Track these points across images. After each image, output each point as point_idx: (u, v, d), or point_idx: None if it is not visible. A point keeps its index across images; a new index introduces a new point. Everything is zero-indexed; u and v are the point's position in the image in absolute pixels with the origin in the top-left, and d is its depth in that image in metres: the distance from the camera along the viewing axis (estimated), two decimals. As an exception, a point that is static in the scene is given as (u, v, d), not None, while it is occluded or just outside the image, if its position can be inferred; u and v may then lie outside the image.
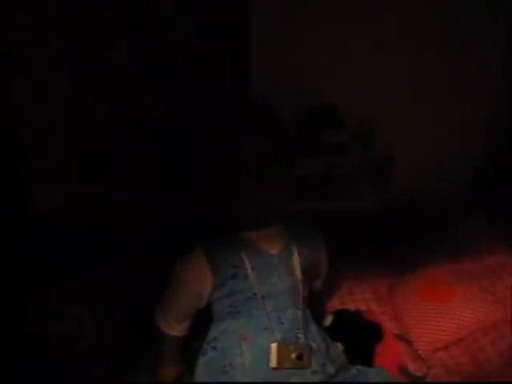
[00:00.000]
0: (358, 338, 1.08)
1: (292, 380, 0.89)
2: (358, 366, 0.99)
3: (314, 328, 0.97)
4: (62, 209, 1.24)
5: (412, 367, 1.07)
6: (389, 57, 1.30)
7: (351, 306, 1.19)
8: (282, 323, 0.92)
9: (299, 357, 0.90)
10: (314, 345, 0.93)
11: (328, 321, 1.11)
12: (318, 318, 1.06)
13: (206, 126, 1.03)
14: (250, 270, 0.92)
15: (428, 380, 1.06)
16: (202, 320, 0.98)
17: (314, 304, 1.07)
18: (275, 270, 0.94)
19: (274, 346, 0.89)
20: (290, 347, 0.90)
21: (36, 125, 1.21)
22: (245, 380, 0.89)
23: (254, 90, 1.22)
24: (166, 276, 0.98)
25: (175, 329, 0.99)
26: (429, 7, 1.27)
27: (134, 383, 1.05)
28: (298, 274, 0.96)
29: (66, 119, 1.22)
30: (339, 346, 1.04)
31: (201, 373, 0.94)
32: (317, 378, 0.90)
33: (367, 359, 1.06)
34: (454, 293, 1.13)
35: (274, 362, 0.88)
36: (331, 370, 0.93)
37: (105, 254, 1.17)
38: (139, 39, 1.17)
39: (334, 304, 1.20)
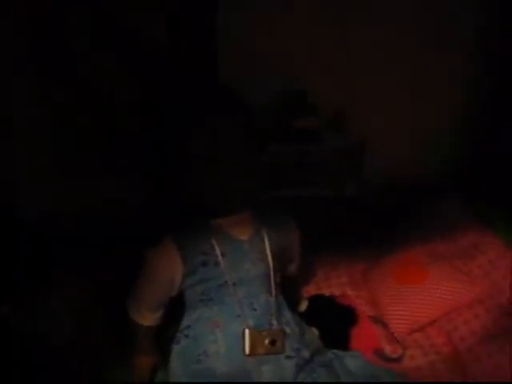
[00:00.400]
0: (334, 322, 1.08)
1: (266, 366, 0.88)
2: (334, 350, 0.99)
3: (287, 313, 0.96)
4: (45, 208, 1.23)
5: (388, 349, 1.08)
6: (363, 44, 1.30)
7: (327, 291, 1.19)
8: (255, 309, 0.91)
9: (272, 342, 0.89)
10: (287, 330, 0.93)
11: (303, 306, 1.12)
12: (293, 304, 1.07)
13: (176, 113, 1.02)
14: (220, 257, 0.91)
15: (404, 361, 1.07)
16: (175, 309, 0.97)
17: (290, 290, 1.07)
18: (246, 256, 0.93)
19: (246, 332, 0.89)
20: (263, 333, 0.89)
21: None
22: (220, 368, 0.88)
23: (224, 78, 1.21)
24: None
25: (148, 319, 0.97)
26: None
27: (112, 381, 1.04)
28: (270, 259, 0.95)
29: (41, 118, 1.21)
30: (315, 330, 1.04)
31: (175, 362, 0.93)
32: (291, 363, 0.90)
33: (343, 343, 1.06)
34: (427, 274, 1.14)
35: (247, 349, 0.88)
36: (306, 354, 0.92)
37: (85, 252, 1.15)
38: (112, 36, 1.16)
39: (310, 289, 1.21)
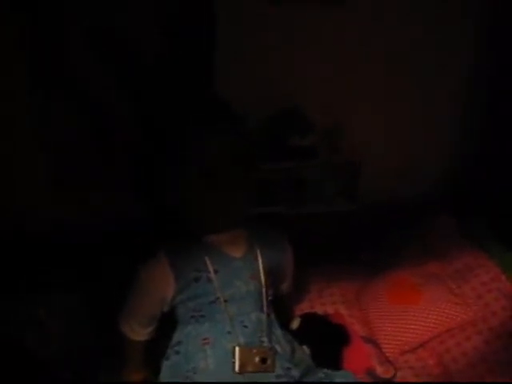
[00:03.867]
0: (326, 341, 1.08)
1: (255, 385, 0.88)
2: (325, 370, 0.99)
3: (278, 331, 0.96)
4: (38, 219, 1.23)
5: (379, 370, 1.07)
6: (359, 62, 1.31)
7: (320, 309, 1.19)
8: (246, 327, 0.91)
9: (263, 360, 0.89)
10: (278, 348, 0.93)
11: (295, 324, 1.11)
12: (285, 322, 1.06)
13: (169, 127, 1.02)
14: (212, 274, 0.91)
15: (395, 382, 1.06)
16: (167, 323, 0.97)
17: (283, 307, 1.07)
18: (239, 273, 0.93)
19: (236, 349, 0.88)
20: (254, 351, 0.89)
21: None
22: (208, 384, 0.88)
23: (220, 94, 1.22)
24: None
25: (139, 333, 0.97)
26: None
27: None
28: (262, 277, 0.95)
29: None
30: (306, 349, 1.03)
31: (165, 378, 0.93)
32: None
33: (335, 362, 1.05)
34: (420, 295, 1.14)
35: (236, 366, 0.88)
36: (296, 373, 0.92)
37: (75, 264, 1.16)
38: (104, 39, 1.17)
39: (303, 307, 1.20)
